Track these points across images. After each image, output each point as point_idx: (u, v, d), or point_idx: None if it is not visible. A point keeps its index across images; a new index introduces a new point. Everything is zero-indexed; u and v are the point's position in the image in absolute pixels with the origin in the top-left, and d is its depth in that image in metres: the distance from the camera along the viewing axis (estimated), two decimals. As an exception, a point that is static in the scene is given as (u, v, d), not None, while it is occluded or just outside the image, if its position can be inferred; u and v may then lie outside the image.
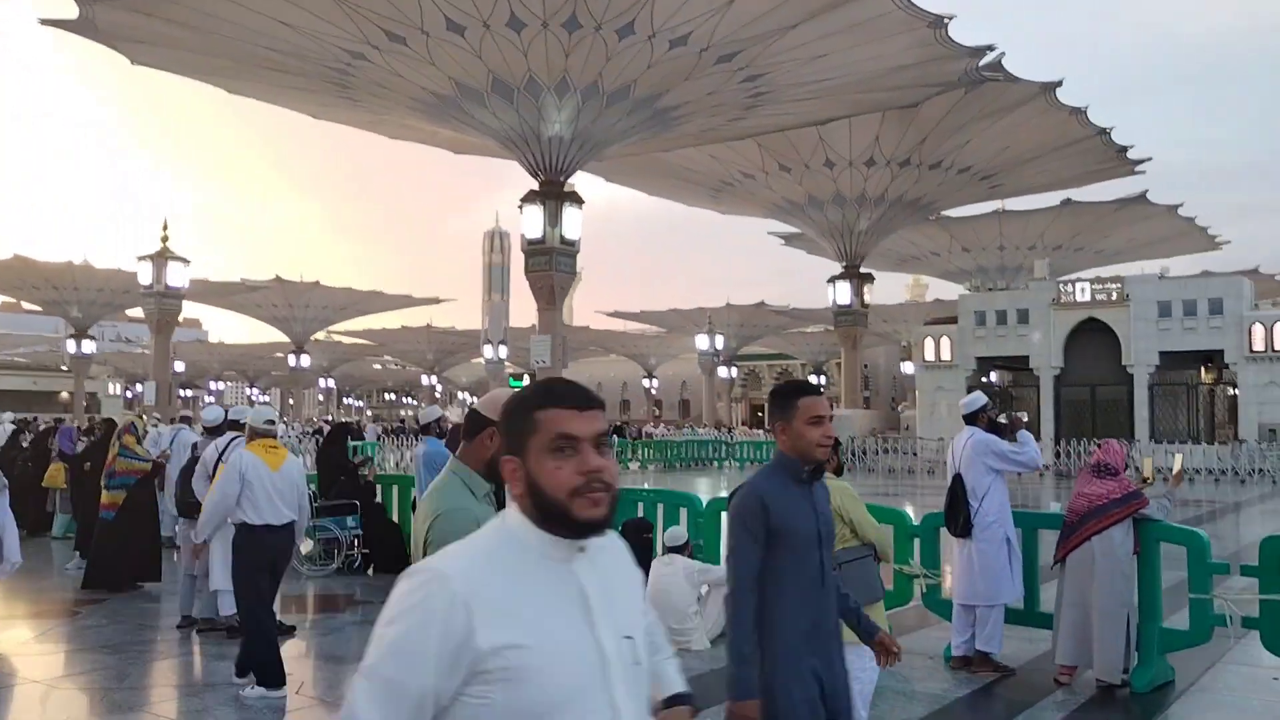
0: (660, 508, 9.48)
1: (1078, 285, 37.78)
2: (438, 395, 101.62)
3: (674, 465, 35.41)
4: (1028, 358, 38.35)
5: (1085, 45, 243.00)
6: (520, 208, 31.67)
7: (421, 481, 8.00)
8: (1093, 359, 36.96)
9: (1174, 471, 7.09)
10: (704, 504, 9.06)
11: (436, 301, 79.35)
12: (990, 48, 34.61)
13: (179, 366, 71.66)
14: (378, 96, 31.59)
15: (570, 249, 31.66)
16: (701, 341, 65.92)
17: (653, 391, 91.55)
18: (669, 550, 8.23)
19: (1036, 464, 7.39)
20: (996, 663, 7.09)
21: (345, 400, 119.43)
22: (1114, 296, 36.73)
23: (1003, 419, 7.53)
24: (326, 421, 55.78)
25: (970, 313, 39.70)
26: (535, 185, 31.74)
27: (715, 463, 36.59)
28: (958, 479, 7.31)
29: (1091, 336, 37.08)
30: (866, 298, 47.35)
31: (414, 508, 11.54)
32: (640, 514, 9.40)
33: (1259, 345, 34.25)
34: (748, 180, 45.29)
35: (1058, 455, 33.61)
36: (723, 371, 76.24)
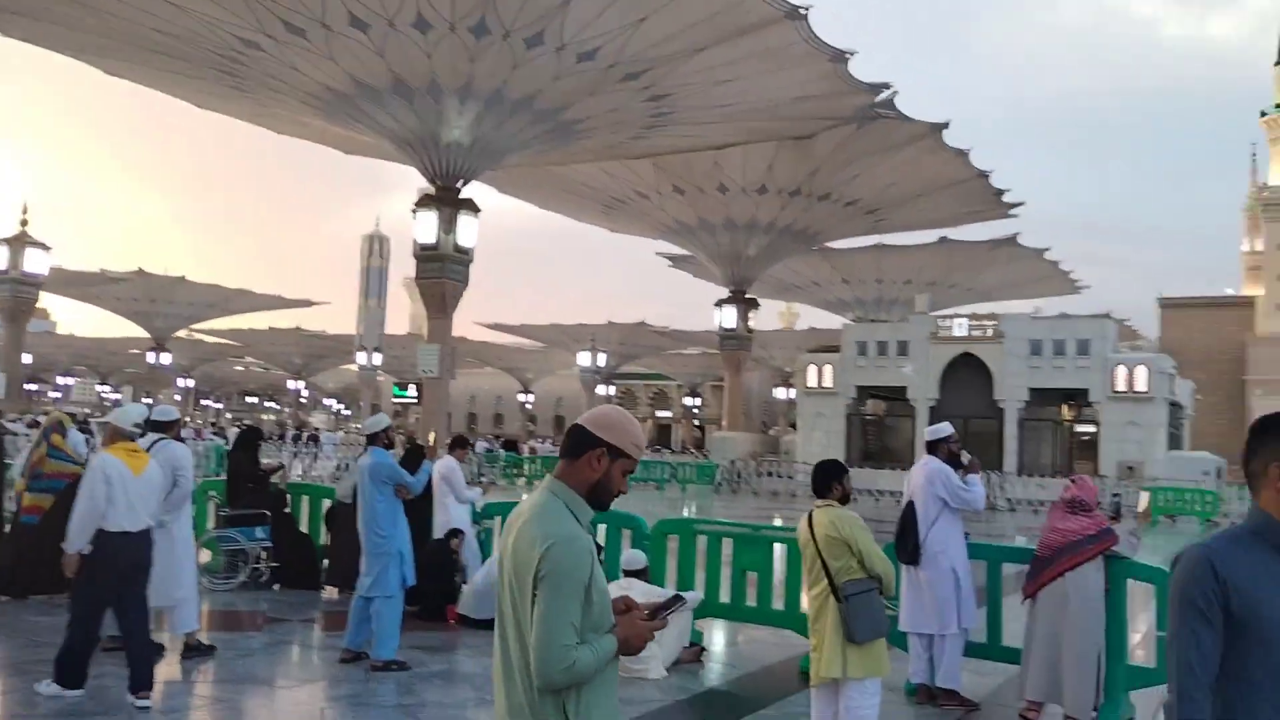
0: (602, 529, 9.15)
1: (955, 321, 39.05)
2: (303, 400, 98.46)
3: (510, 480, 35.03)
4: (905, 388, 39.39)
5: (968, 90, 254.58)
6: (413, 212, 30.85)
7: (367, 494, 7.47)
8: (967, 392, 38.22)
9: (1140, 509, 7.15)
10: (649, 526, 8.79)
11: (309, 304, 76.94)
12: (886, 85, 35.53)
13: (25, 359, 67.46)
14: (270, 89, 30.34)
15: (464, 257, 30.98)
16: (583, 358, 65.69)
17: (528, 406, 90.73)
18: (627, 574, 7.92)
19: (978, 507, 7.33)
20: (961, 697, 7.01)
21: (204, 402, 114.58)
22: (989, 333, 38.09)
23: (964, 458, 7.48)
24: (239, 425, 53.29)
25: (853, 343, 40.61)
26: (430, 190, 31.02)
27: (600, 481, 36.32)
28: (910, 506, 7.24)
29: (966, 370, 38.36)
30: (751, 323, 47.94)
31: (328, 519, 10.91)
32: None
33: (1121, 386, 35.99)
34: (641, 200, 45.34)
35: (932, 485, 34.53)
36: (600, 389, 76.09)
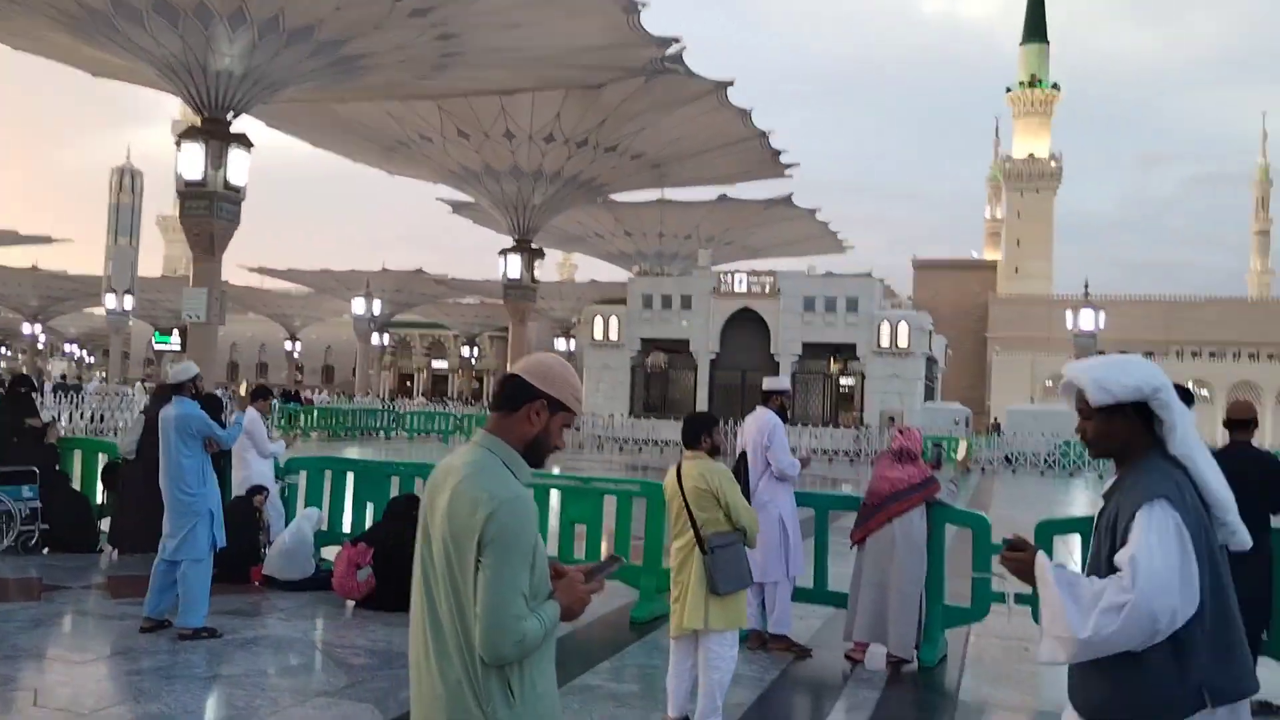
0: (420, 483, 8.79)
1: (736, 276, 40.22)
2: (40, 346, 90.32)
3: (339, 434, 33.66)
4: (688, 341, 40.34)
5: (753, 50, 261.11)
6: (177, 144, 28.58)
7: (172, 449, 6.79)
8: (745, 346, 39.60)
9: (960, 457, 7.51)
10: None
11: (48, 241, 70.34)
12: (675, 40, 35.80)
13: None
14: (14, 2, 27.22)
15: (235, 195, 29.05)
16: (358, 306, 63.33)
17: (295, 355, 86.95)
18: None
19: (787, 474, 7.30)
20: (792, 642, 7.18)
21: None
22: (767, 289, 39.51)
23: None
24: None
25: (638, 296, 41.14)
26: (192, 121, 28.84)
27: (383, 433, 35.23)
28: (743, 456, 7.31)
29: (746, 325, 39.71)
30: (537, 273, 47.64)
31: (106, 477, 9.94)
32: (396, 491, 8.67)
33: (885, 341, 38.26)
34: (424, 143, 43.96)
35: (711, 434, 35.64)
36: (375, 339, 73.85)
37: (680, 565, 5.30)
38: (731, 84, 41.08)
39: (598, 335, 41.25)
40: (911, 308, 55.93)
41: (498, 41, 33.56)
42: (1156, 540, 2.42)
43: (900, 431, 7.17)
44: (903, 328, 37.92)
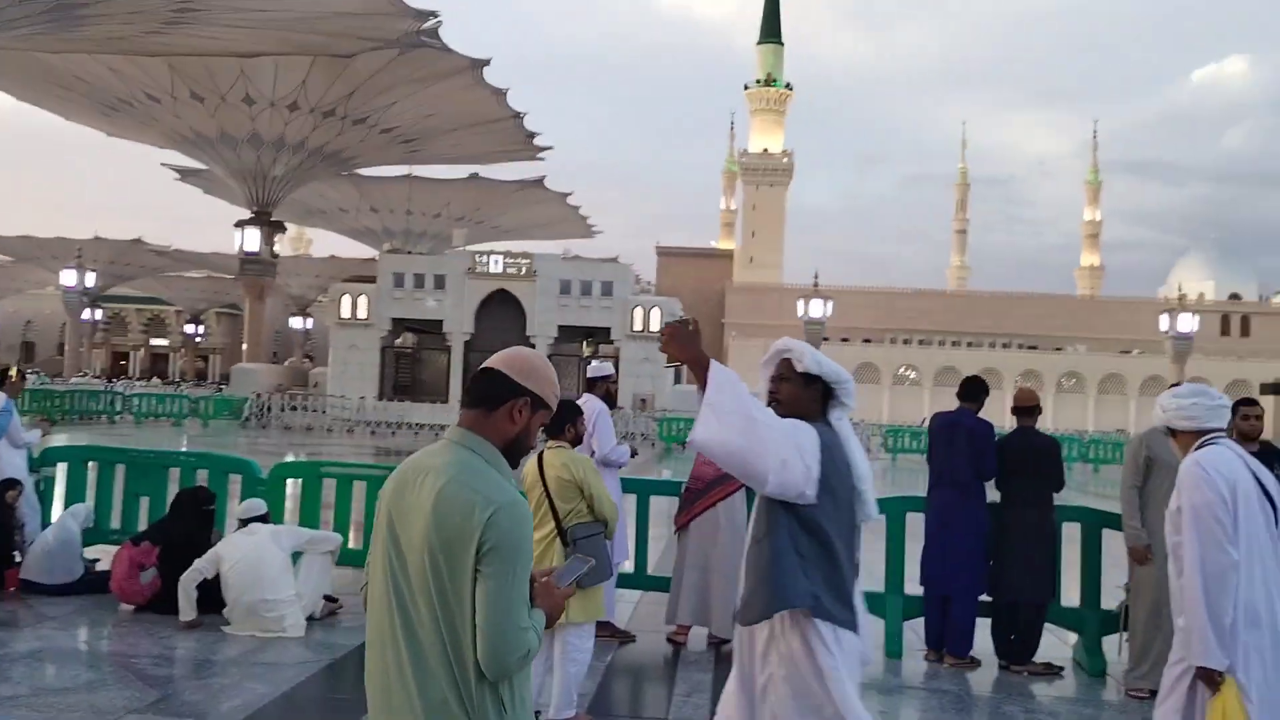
0: (202, 475, 8.09)
1: (492, 257, 39.84)
2: None
3: (53, 419, 30.50)
4: (442, 322, 39.58)
5: (505, 29, 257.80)
6: None
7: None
8: (500, 327, 39.31)
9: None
10: (262, 470, 7.93)
11: None
12: (433, 14, 34.94)
13: None
14: None
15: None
16: (68, 277, 57.62)
17: (-11, 331, 78.34)
18: (246, 522, 7.08)
19: (613, 461, 7.28)
20: (616, 629, 7.18)
21: None
22: (524, 271, 39.40)
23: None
24: None
25: (389, 274, 39.90)
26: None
27: (107, 416, 32.26)
28: None
29: (501, 306, 39.43)
30: (277, 247, 45.25)
31: None
32: (176, 484, 7.94)
33: (638, 325, 39.12)
34: (152, 104, 40.69)
35: (464, 417, 35.17)
36: (86, 314, 67.57)
37: (539, 558, 5.16)
38: (488, 63, 40.57)
39: (345, 314, 39.68)
40: (655, 293, 57.53)
41: (240, 0, 31.57)
42: (790, 425, 3.25)
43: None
44: (655, 313, 38.91)
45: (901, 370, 77.26)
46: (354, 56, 37.91)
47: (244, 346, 47.91)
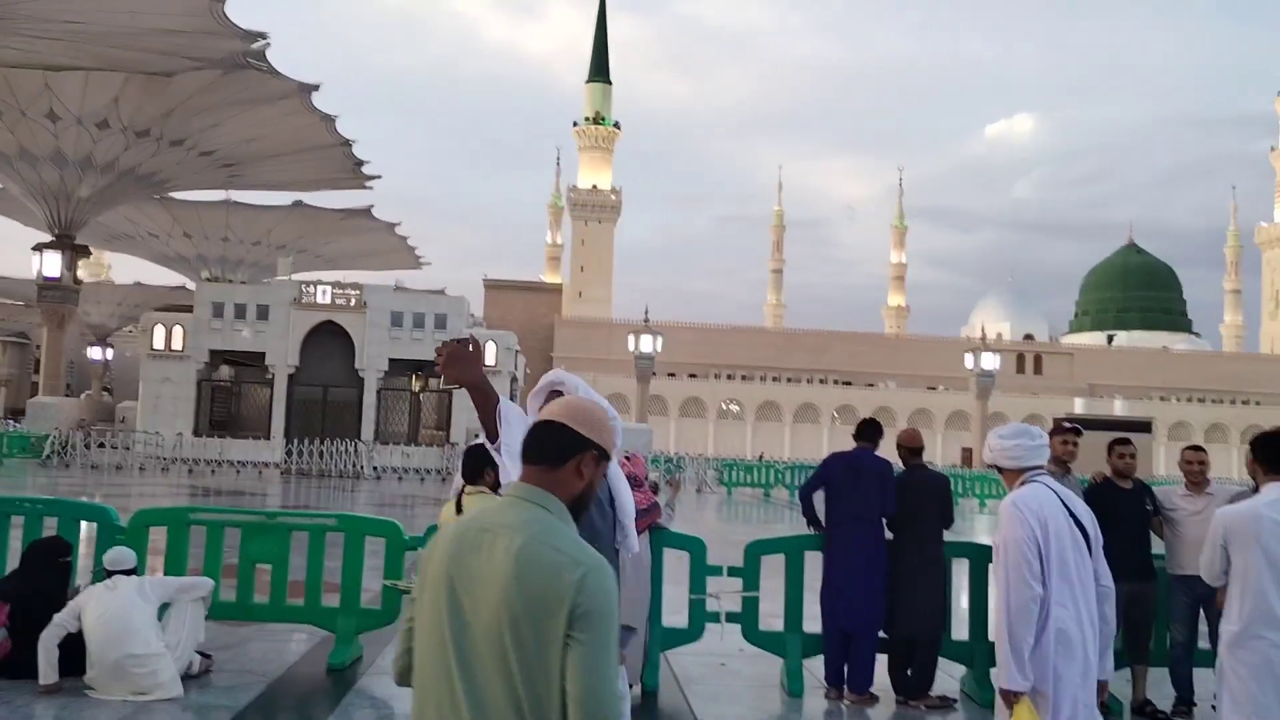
0: (51, 523, 7.36)
1: (320, 288, 38.46)
2: None
3: None
4: (264, 354, 37.86)
5: (343, 56, 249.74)
6: None
7: None
8: (327, 361, 37.94)
9: (671, 479, 7.70)
10: (120, 518, 7.31)
11: None
12: (263, 35, 33.81)
13: None
14: None
15: None
16: None
17: None
18: (112, 574, 6.49)
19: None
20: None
21: None
22: (353, 302, 38.21)
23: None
24: None
25: (208, 304, 37.84)
26: None
27: None
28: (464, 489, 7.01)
29: (329, 338, 38.04)
30: (81, 273, 42.36)
31: None
32: (21, 535, 7.20)
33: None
34: (-61, 115, 37.59)
35: (289, 454, 33.62)
36: None
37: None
38: (317, 88, 39.52)
39: (159, 345, 37.36)
40: (483, 326, 56.92)
41: (52, 10, 29.75)
42: None
43: (627, 457, 7.22)
44: (491, 347, 38.40)
45: (725, 405, 79.16)
46: (173, 76, 36.18)
47: (38, 378, 44.51)
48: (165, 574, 7.24)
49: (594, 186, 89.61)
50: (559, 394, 3.40)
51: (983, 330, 63.09)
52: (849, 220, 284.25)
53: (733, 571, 7.33)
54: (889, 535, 7.10)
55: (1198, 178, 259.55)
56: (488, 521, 2.20)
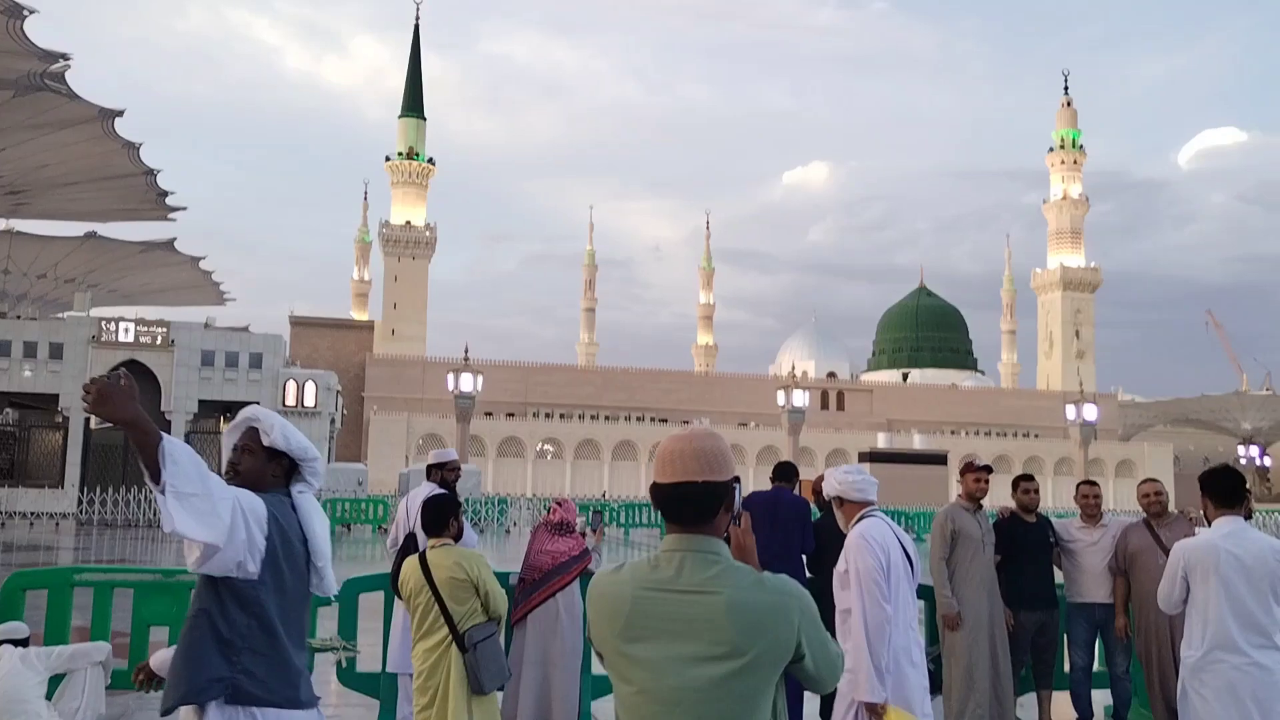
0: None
1: (121, 324, 36.04)
2: None
3: None
4: (58, 396, 35.08)
5: (142, 79, 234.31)
6: None
7: None
8: (130, 403, 35.53)
9: (595, 527, 7.61)
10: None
11: None
12: (64, 56, 31.79)
13: None
14: None
15: None
16: None
17: None
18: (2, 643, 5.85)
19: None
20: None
21: None
22: (159, 340, 36.00)
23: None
24: None
25: (-8, 341, 34.79)
26: None
27: None
28: (412, 538, 6.73)
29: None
30: None
31: None
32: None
33: (291, 400, 36.94)
34: None
35: (81, 504, 31.22)
36: None
37: (433, 668, 4.71)
38: (120, 114, 37.38)
39: (-68, 387, 34.04)
40: (297, 365, 54.73)
41: None
42: (236, 494, 3.03)
43: (559, 504, 7.11)
44: (310, 387, 36.96)
45: (542, 445, 78.82)
46: (-44, 93, 33.40)
47: None
48: (45, 643, 6.57)
49: (408, 222, 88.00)
50: (255, 431, 3.31)
51: (793, 368, 65.53)
52: (657, 260, 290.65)
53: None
54: (808, 574, 7.27)
55: (976, 226, 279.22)
56: (658, 579, 2.23)
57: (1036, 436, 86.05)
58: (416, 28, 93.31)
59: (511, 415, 79.98)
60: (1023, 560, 7.22)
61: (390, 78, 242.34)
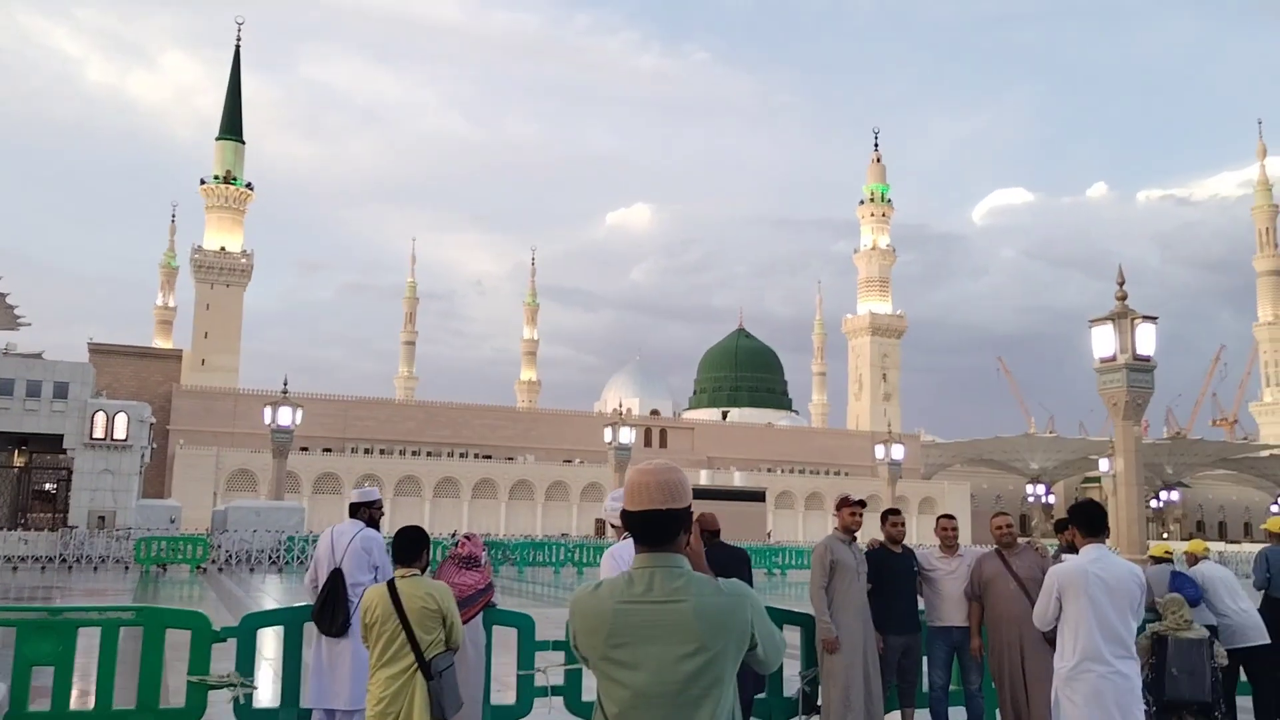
0: None
1: (-94, 349, 33.21)
2: None
3: None
4: None
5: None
6: None
7: None
8: (-86, 433, 32.75)
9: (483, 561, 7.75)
10: None
11: None
12: None
13: None
14: None
15: None
16: None
17: None
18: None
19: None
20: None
21: None
22: (-50, 367, 33.38)
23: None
24: None
25: None
26: None
27: None
28: (338, 574, 6.73)
29: (-83, 408, 32.89)
30: None
31: None
32: None
33: (100, 432, 34.87)
34: None
35: None
36: None
37: (395, 695, 4.85)
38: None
39: None
40: (104, 395, 51.46)
41: None
42: None
43: (467, 538, 7.25)
44: (121, 419, 34.98)
45: (361, 481, 76.72)
46: None
47: None
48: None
49: (222, 248, 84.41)
50: None
51: (620, 405, 66.34)
52: (479, 294, 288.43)
53: (557, 645, 7.53)
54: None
55: (789, 271, 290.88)
56: (628, 590, 2.65)
57: (847, 474, 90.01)
58: (238, 49, 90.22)
59: (329, 450, 77.59)
60: (891, 588, 7.85)
61: (202, 96, 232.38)
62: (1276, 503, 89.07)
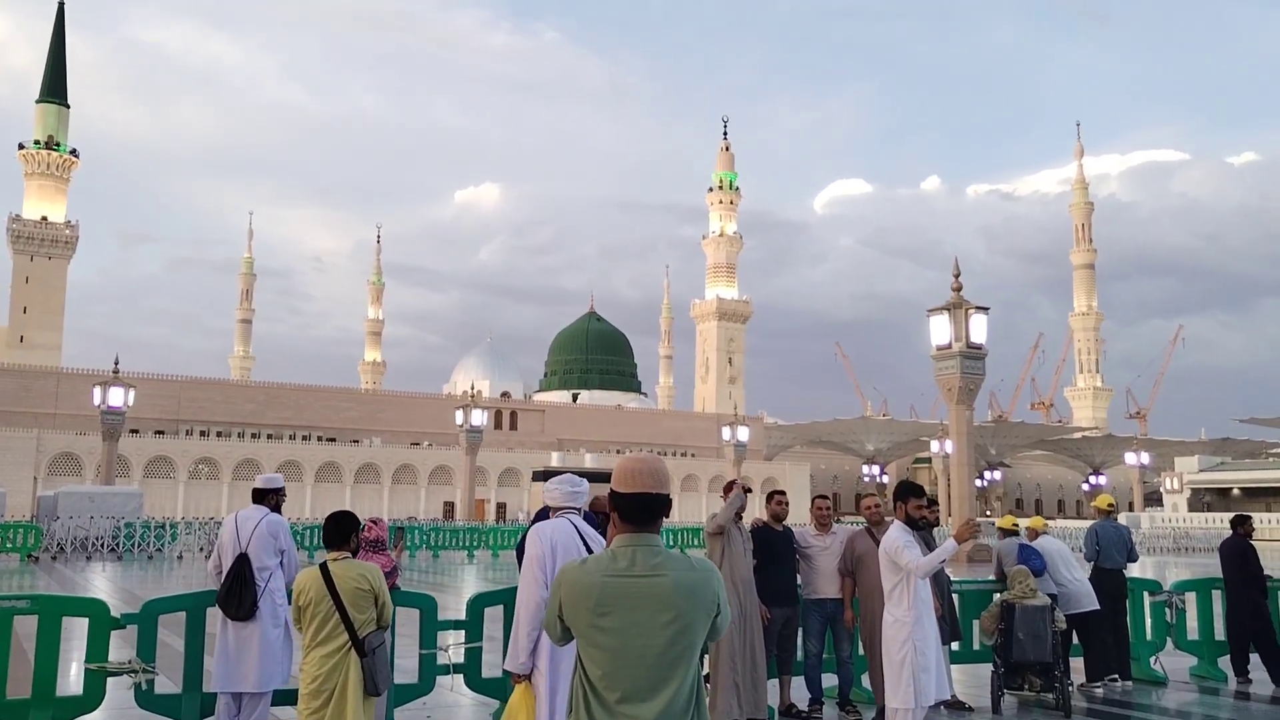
0: None
1: None
2: None
3: None
4: None
5: None
6: None
7: None
8: None
9: (397, 545, 7.88)
10: None
11: None
12: None
13: None
14: None
15: None
16: None
17: None
18: None
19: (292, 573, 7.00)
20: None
21: None
22: None
23: None
24: None
25: None
26: None
27: None
28: (244, 559, 6.72)
29: None
30: None
31: None
32: None
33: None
34: None
35: None
36: None
37: (330, 673, 5.01)
38: None
39: None
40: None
41: None
42: None
43: (373, 522, 7.37)
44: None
45: (197, 465, 73.78)
46: None
47: None
48: None
49: (44, 218, 79.22)
50: None
51: (471, 387, 65.92)
52: (319, 272, 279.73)
53: (458, 624, 7.73)
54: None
55: (637, 255, 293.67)
56: (613, 566, 2.94)
57: (693, 456, 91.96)
58: (61, 6, 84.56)
59: (161, 433, 74.29)
60: (774, 563, 8.40)
61: (14, 54, 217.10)
62: (1088, 481, 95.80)
